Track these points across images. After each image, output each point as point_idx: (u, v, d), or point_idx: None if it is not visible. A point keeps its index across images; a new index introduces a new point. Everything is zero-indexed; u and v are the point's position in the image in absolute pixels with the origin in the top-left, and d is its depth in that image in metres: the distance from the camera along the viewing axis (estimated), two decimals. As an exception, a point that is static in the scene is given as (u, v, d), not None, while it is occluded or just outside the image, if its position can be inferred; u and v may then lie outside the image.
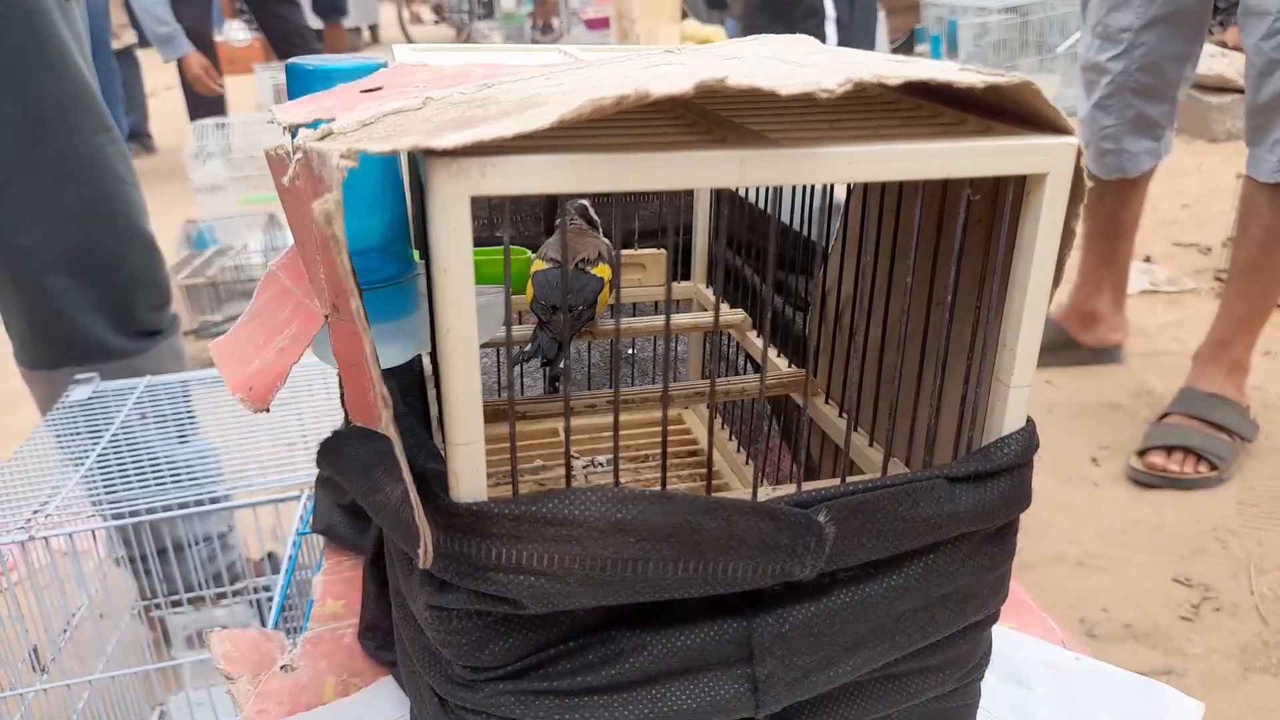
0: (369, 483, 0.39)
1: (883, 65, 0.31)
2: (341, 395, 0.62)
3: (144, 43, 3.71)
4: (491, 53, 0.53)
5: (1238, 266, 1.64)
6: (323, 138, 0.31)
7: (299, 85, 0.48)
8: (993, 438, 0.38)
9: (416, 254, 0.55)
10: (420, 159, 0.29)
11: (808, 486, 0.38)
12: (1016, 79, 0.32)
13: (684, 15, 4.18)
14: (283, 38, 3.70)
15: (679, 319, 0.63)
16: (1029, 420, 0.39)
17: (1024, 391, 0.38)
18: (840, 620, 0.36)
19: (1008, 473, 0.38)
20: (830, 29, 2.53)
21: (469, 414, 0.31)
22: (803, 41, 0.45)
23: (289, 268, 0.45)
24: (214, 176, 2.54)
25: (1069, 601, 1.42)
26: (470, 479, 0.32)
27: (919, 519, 0.35)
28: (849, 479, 0.38)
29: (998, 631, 0.62)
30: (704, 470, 0.71)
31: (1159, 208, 2.74)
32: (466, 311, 0.30)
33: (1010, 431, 0.38)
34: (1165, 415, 1.69)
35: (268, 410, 0.40)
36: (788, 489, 0.38)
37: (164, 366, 1.15)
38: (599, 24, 5.23)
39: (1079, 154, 0.34)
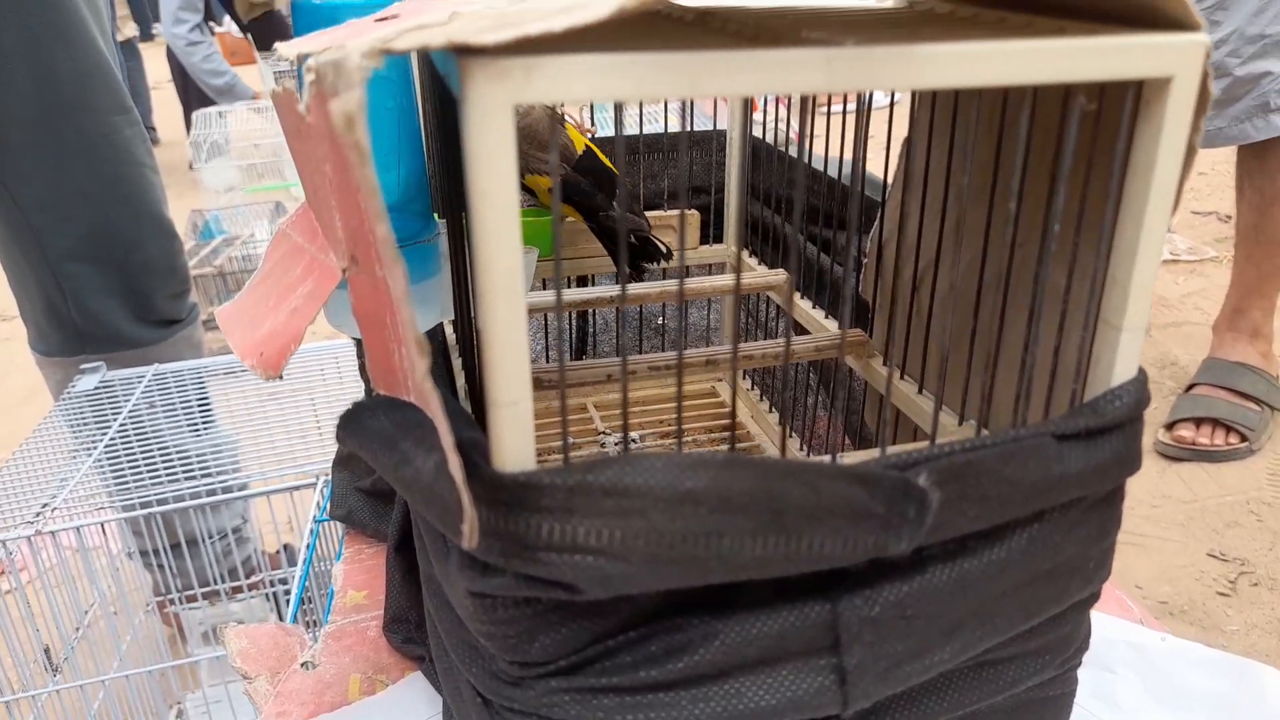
0: (397, 456, 0.34)
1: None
2: (362, 365, 0.58)
3: (146, 36, 3.67)
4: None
5: (1240, 232, 1.61)
6: (374, 54, 0.27)
7: (305, 23, 0.43)
8: (1100, 389, 0.34)
9: (436, 216, 0.51)
10: (453, 68, 0.25)
11: (892, 450, 0.33)
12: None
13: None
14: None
15: (710, 281, 0.58)
16: (1141, 370, 0.34)
17: (1138, 335, 0.33)
18: (936, 600, 0.31)
19: (1119, 429, 0.33)
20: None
21: (515, 368, 0.27)
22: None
23: (300, 224, 0.41)
24: (224, 177, 2.50)
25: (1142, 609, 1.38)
26: (517, 444, 0.28)
27: (1026, 482, 0.31)
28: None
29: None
30: (742, 446, 0.67)
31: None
32: (512, 244, 0.25)
33: (1121, 382, 0.33)
34: (1191, 387, 1.65)
35: (280, 377, 0.35)
36: (869, 453, 0.33)
37: (181, 356, 1.12)
38: None
39: (1207, 55, 0.30)
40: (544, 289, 0.64)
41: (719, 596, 0.31)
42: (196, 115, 2.76)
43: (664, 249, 0.58)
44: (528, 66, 0.24)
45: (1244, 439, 1.57)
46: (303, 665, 0.51)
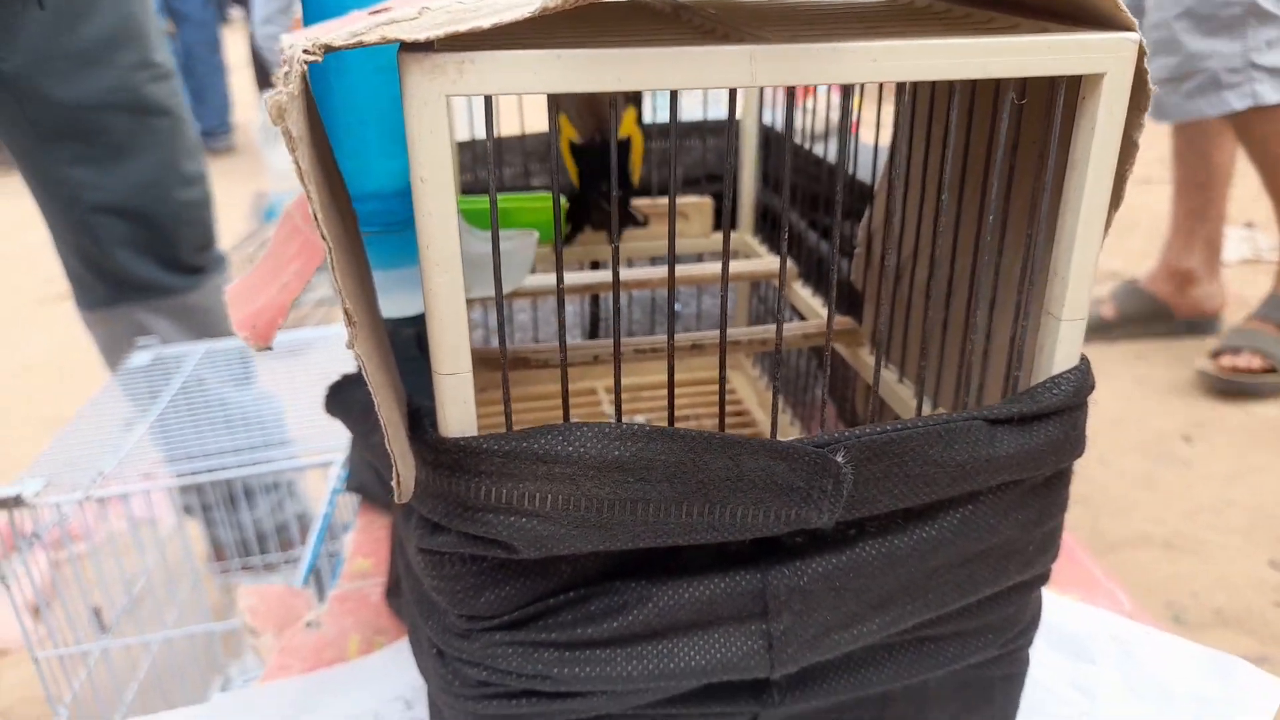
0: (369, 424, 0.37)
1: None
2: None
3: (221, 18, 3.79)
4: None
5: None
6: (315, 50, 0.29)
7: (314, 14, 0.46)
8: (1042, 377, 0.35)
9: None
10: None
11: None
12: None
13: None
14: None
15: (701, 268, 0.60)
16: (1083, 358, 0.35)
17: (1078, 325, 0.34)
18: (866, 574, 0.33)
19: (1057, 415, 0.34)
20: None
21: (455, 341, 0.29)
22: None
23: (301, 205, 0.44)
24: (288, 161, 2.57)
25: (1154, 584, 1.35)
26: (458, 412, 0.30)
27: (953, 463, 0.32)
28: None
29: (1059, 604, 0.58)
30: (746, 430, 0.68)
31: (1250, 178, 2.61)
32: (447, 228, 0.27)
33: (1062, 370, 0.34)
34: (1249, 319, 1.69)
35: (270, 348, 0.38)
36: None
37: (215, 304, 1.16)
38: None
39: (1141, 53, 0.30)
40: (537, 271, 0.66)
41: (655, 562, 0.33)
42: (265, 97, 2.84)
43: (640, 219, 0.61)
44: (460, 61, 0.26)
45: (1274, 370, 1.61)
46: (307, 625, 0.54)
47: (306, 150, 0.25)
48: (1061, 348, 0.34)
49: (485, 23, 0.25)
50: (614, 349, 0.33)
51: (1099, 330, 1.86)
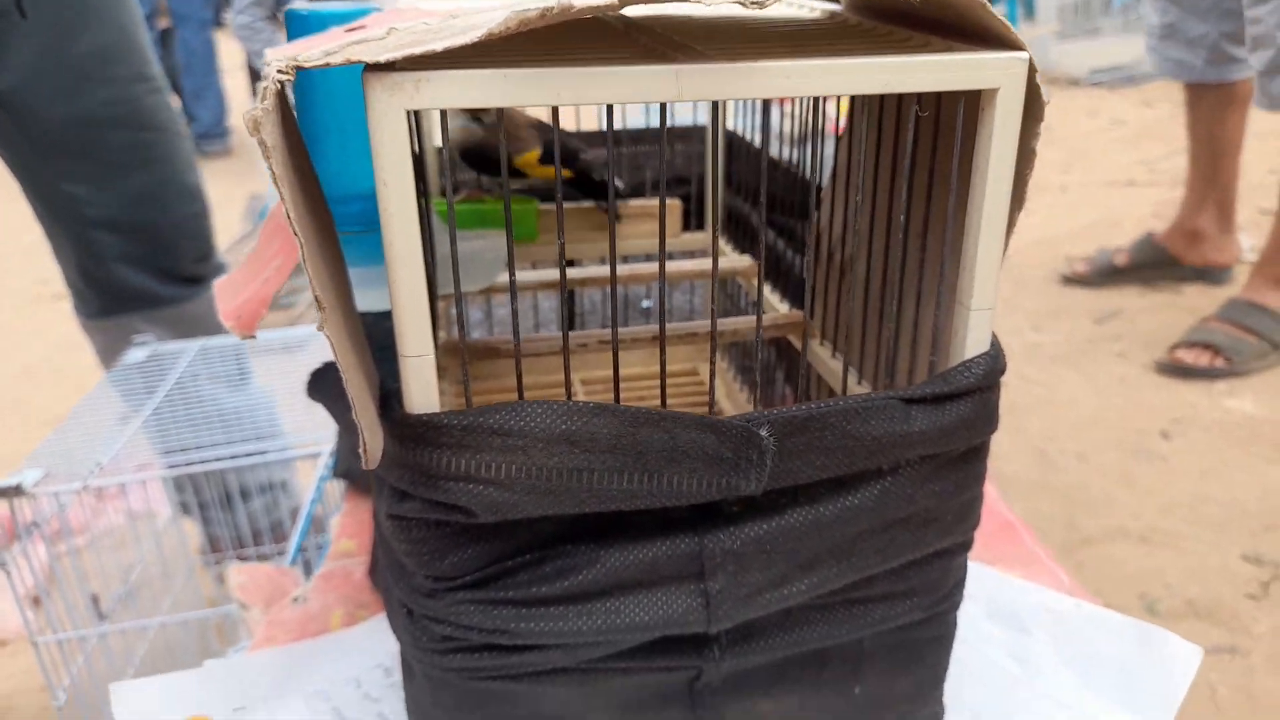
0: (344, 404, 0.40)
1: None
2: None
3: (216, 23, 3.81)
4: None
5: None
6: (288, 70, 0.33)
7: (296, 30, 0.49)
8: (956, 361, 0.38)
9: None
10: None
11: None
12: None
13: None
14: None
15: (686, 265, 0.64)
16: (994, 343, 0.39)
17: (985, 314, 0.37)
18: (793, 538, 0.36)
19: (969, 395, 0.37)
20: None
21: (417, 327, 0.33)
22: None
23: (281, 206, 0.47)
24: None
25: (1129, 577, 1.39)
26: (421, 391, 0.34)
27: (870, 438, 0.36)
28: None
29: (1001, 580, 0.61)
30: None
31: (1244, 172, 2.65)
32: (408, 226, 0.31)
33: (973, 355, 0.38)
34: (1207, 319, 1.77)
35: (254, 337, 0.42)
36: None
37: (212, 313, 1.18)
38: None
39: (1032, 70, 0.34)
40: (532, 269, 0.70)
41: (604, 528, 0.36)
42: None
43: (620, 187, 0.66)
44: (417, 79, 0.29)
45: (1229, 361, 1.71)
46: (294, 600, 0.57)
47: (281, 158, 0.28)
48: (972, 334, 0.38)
49: (439, 45, 0.29)
50: (612, 335, 0.37)
51: (1112, 276, 1.99)
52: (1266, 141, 2.89)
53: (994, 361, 0.38)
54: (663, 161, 0.34)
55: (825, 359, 0.54)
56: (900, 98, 0.42)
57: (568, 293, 0.73)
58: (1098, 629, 0.55)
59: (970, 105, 0.35)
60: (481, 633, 0.36)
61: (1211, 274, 2.01)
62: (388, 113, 0.29)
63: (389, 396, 0.35)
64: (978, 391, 0.38)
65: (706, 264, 0.65)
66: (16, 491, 0.87)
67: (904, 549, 0.39)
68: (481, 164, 0.63)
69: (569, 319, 0.73)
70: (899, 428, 0.36)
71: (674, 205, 0.73)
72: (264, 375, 1.21)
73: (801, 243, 0.63)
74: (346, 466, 0.67)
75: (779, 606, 0.38)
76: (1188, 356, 1.74)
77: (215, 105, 3.84)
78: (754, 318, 0.56)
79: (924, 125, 0.41)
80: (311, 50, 0.32)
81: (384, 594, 0.45)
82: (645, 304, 0.76)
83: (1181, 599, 1.37)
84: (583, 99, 0.30)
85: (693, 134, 0.74)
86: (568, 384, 0.36)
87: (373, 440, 0.32)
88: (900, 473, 0.38)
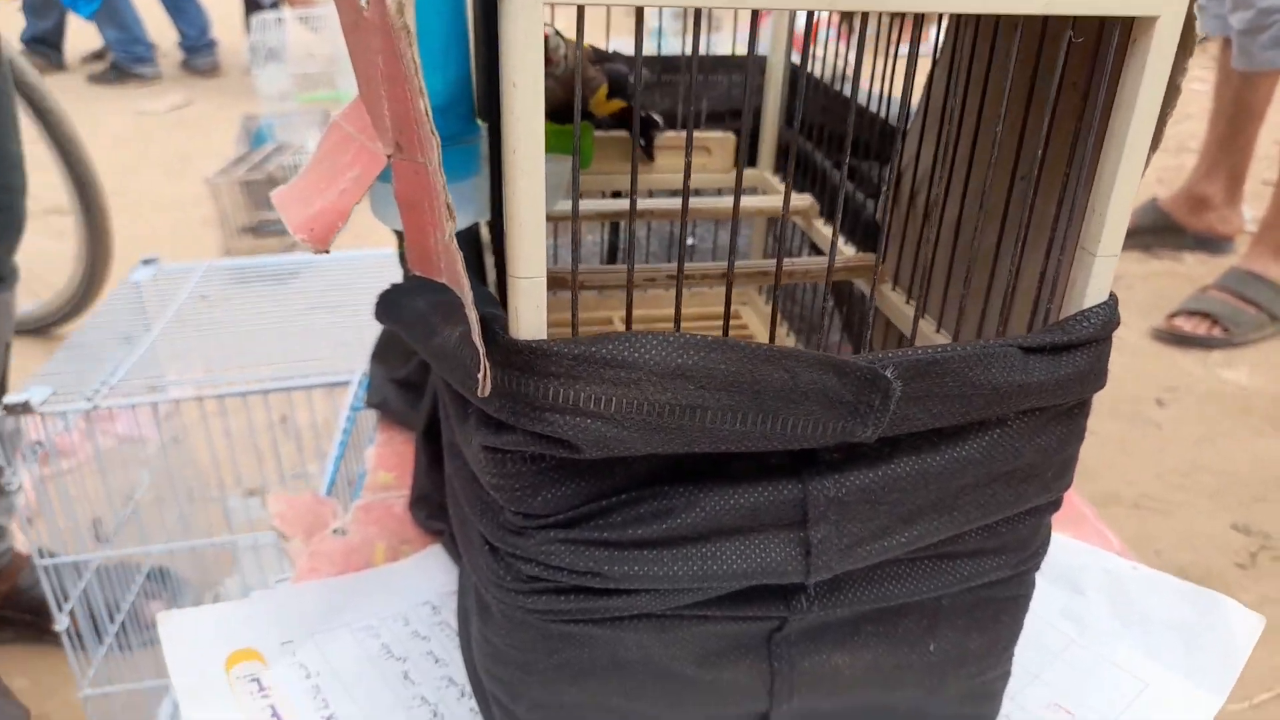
0: (427, 328, 0.38)
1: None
2: (401, 252, 0.62)
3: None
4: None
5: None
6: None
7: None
8: (1073, 310, 0.36)
9: (479, 119, 0.54)
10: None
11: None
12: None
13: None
14: None
15: (714, 201, 0.61)
16: (1112, 295, 0.37)
17: (1111, 261, 0.36)
18: (899, 489, 0.35)
19: (1086, 347, 0.36)
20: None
21: (533, 245, 0.30)
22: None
23: (352, 115, 0.44)
24: (278, 84, 2.53)
25: (1121, 542, 1.40)
26: (530, 315, 0.32)
27: (988, 385, 0.34)
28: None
29: (1054, 539, 0.61)
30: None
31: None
32: (534, 133, 0.29)
33: (1093, 304, 0.36)
34: (1206, 288, 1.79)
35: (328, 251, 0.39)
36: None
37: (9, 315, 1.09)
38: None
39: (1191, 0, 0.32)
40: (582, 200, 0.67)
41: (704, 470, 0.35)
42: (254, 20, 2.79)
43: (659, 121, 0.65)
44: (556, -28, 0.27)
45: (1227, 331, 1.72)
46: (334, 531, 0.56)
47: (416, 48, 0.26)
48: (1094, 282, 0.36)
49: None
50: (678, 269, 0.34)
51: None
52: (1273, 111, 2.88)
53: (1111, 312, 0.37)
54: (693, 75, 0.32)
55: (899, 305, 0.52)
56: (1020, 22, 0.40)
57: (611, 225, 0.71)
58: (1155, 591, 0.54)
59: (1120, 32, 0.33)
60: (572, 574, 0.35)
61: (1213, 243, 2.02)
62: (527, 5, 0.27)
63: (486, 323, 0.33)
64: (1094, 343, 0.36)
65: (760, 201, 0.63)
66: (24, 409, 0.85)
67: (1004, 504, 0.37)
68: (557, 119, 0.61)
69: (611, 253, 0.71)
70: (1017, 377, 0.34)
71: (728, 139, 0.70)
72: (260, 304, 1.17)
73: (867, 182, 0.60)
74: (382, 396, 0.65)
75: (877, 559, 0.36)
76: (1186, 325, 1.75)
77: (197, 17, 3.73)
78: (817, 259, 0.54)
79: (1049, 57, 0.39)
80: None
81: (457, 527, 0.43)
82: (690, 241, 0.74)
83: (1173, 565, 1.38)
84: None
85: (749, 65, 0.71)
86: (677, 316, 0.34)
87: (488, 364, 0.30)
88: (1009, 425, 0.36)
